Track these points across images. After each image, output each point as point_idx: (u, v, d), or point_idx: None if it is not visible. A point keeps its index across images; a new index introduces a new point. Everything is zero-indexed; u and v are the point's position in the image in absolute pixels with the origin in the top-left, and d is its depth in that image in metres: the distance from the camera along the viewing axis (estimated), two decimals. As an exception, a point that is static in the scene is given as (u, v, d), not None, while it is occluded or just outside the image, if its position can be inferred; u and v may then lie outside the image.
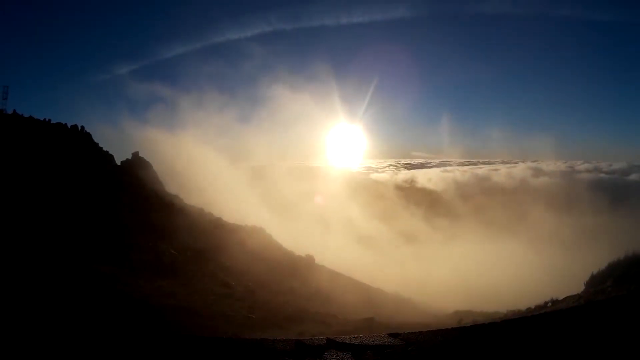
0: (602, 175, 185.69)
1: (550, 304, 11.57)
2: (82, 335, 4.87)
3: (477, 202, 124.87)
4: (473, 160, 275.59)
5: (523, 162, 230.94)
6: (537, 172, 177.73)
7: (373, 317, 16.36)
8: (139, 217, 25.58)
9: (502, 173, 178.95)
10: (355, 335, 4.72)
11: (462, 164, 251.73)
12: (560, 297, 11.60)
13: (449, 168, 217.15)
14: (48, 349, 4.27)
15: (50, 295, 9.59)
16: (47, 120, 33.02)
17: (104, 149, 34.59)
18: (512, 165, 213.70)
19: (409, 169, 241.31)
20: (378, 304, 24.18)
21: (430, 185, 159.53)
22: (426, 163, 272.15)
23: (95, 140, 34.62)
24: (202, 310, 12.24)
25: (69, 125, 33.94)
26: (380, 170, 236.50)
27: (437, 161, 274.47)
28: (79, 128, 34.23)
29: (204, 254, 24.22)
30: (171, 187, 39.82)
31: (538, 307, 11.75)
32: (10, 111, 32.40)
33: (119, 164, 35.19)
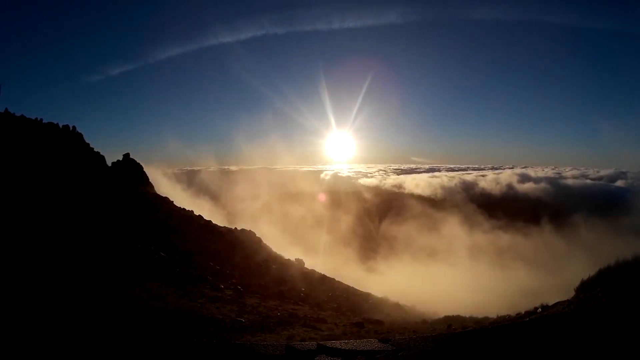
0: (588, 181, 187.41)
1: (540, 309, 11.55)
2: (71, 338, 4.83)
3: (459, 208, 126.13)
4: (463, 166, 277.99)
5: (512, 168, 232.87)
6: (523, 178, 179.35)
7: (362, 322, 16.34)
8: (129, 218, 25.49)
9: (488, 179, 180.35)
10: (346, 341, 4.72)
11: (452, 170, 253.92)
12: (550, 303, 11.61)
13: (437, 173, 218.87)
14: (36, 347, 4.23)
15: (36, 295, 9.52)
16: (38, 119, 32.86)
17: (95, 149, 34.44)
18: (501, 171, 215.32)
19: (398, 174, 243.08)
20: (367, 309, 24.22)
21: (417, 191, 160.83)
22: (416, 168, 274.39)
23: (87, 141, 34.49)
24: (191, 313, 12.17)
25: (60, 125, 33.80)
26: (369, 175, 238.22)
27: (426, 166, 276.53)
28: (71, 128, 34.12)
29: (193, 257, 24.16)
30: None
31: (528, 313, 11.73)
32: (2, 110, 32.15)
33: (110, 165, 35.05)
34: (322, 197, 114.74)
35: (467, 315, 18.53)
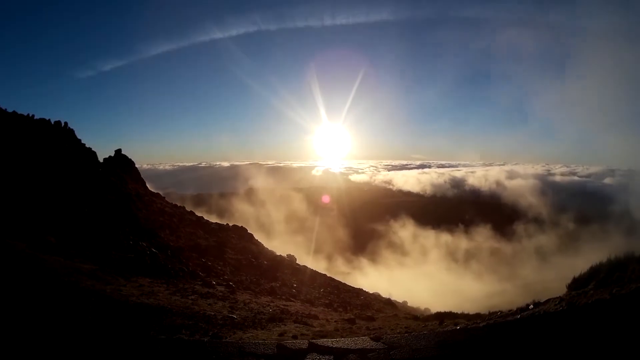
0: (575, 178, 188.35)
1: (532, 306, 11.59)
2: (61, 338, 4.78)
3: (445, 206, 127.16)
4: (454, 163, 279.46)
5: (503, 164, 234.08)
6: (512, 175, 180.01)
7: (354, 318, 16.37)
8: (120, 215, 25.38)
9: (477, 175, 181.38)
10: (337, 339, 4.69)
11: (442, 166, 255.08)
12: (542, 300, 11.64)
13: (427, 170, 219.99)
14: (27, 350, 4.17)
15: (26, 292, 9.45)
16: (30, 115, 32.65)
17: (87, 145, 34.23)
18: (490, 167, 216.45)
19: (389, 170, 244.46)
20: (358, 305, 24.24)
21: (406, 187, 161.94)
22: (407, 164, 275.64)
23: (78, 137, 34.31)
24: (183, 309, 12.13)
25: (52, 121, 33.62)
26: (360, 171, 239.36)
27: (417, 163, 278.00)
28: (62, 124, 33.95)
29: (185, 253, 24.10)
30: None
31: (520, 310, 11.77)
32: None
33: (101, 161, 34.86)
34: (325, 199, 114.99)
35: (459, 312, 18.55)
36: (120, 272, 15.81)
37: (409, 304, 33.87)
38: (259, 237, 35.59)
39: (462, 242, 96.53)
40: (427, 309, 30.71)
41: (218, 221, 36.75)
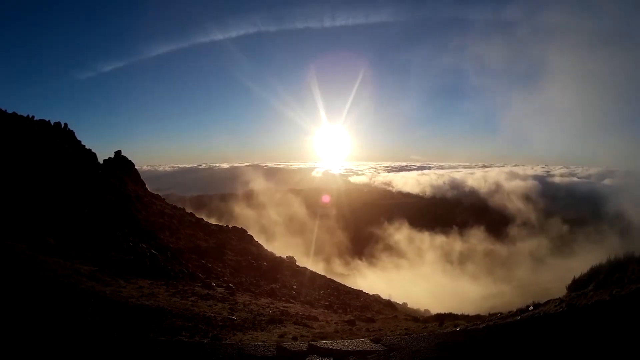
0: (575, 179, 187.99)
1: (532, 307, 11.58)
2: (61, 339, 4.77)
3: (444, 207, 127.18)
4: (453, 164, 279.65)
5: (502, 166, 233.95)
6: (511, 176, 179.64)
7: (354, 320, 16.34)
8: (120, 216, 25.35)
9: (476, 177, 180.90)
10: (337, 341, 4.68)
11: (442, 167, 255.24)
12: (542, 301, 11.62)
13: (426, 171, 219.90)
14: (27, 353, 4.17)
15: (25, 293, 9.43)
16: (30, 116, 32.61)
17: (87, 146, 34.17)
18: (490, 169, 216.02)
19: (388, 171, 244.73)
20: (359, 306, 24.21)
21: (405, 189, 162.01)
22: (406, 166, 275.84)
23: (78, 138, 34.27)
24: (183, 311, 12.10)
25: (52, 123, 33.58)
26: (360, 172, 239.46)
27: (417, 164, 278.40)
28: (62, 125, 33.92)
29: (185, 255, 24.07)
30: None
31: (520, 311, 11.76)
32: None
33: (101, 162, 34.80)
34: (325, 200, 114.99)
35: (459, 313, 18.53)
36: (120, 274, 15.79)
37: (408, 306, 33.86)
38: (258, 238, 35.60)
39: (459, 244, 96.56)
40: (427, 311, 30.74)
41: (218, 223, 36.75)
